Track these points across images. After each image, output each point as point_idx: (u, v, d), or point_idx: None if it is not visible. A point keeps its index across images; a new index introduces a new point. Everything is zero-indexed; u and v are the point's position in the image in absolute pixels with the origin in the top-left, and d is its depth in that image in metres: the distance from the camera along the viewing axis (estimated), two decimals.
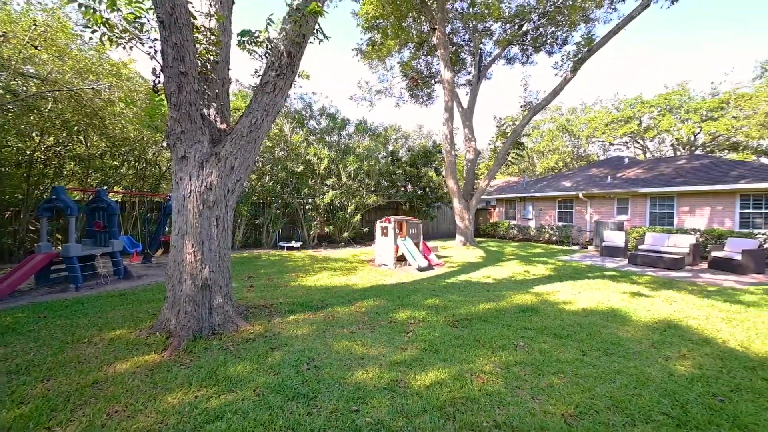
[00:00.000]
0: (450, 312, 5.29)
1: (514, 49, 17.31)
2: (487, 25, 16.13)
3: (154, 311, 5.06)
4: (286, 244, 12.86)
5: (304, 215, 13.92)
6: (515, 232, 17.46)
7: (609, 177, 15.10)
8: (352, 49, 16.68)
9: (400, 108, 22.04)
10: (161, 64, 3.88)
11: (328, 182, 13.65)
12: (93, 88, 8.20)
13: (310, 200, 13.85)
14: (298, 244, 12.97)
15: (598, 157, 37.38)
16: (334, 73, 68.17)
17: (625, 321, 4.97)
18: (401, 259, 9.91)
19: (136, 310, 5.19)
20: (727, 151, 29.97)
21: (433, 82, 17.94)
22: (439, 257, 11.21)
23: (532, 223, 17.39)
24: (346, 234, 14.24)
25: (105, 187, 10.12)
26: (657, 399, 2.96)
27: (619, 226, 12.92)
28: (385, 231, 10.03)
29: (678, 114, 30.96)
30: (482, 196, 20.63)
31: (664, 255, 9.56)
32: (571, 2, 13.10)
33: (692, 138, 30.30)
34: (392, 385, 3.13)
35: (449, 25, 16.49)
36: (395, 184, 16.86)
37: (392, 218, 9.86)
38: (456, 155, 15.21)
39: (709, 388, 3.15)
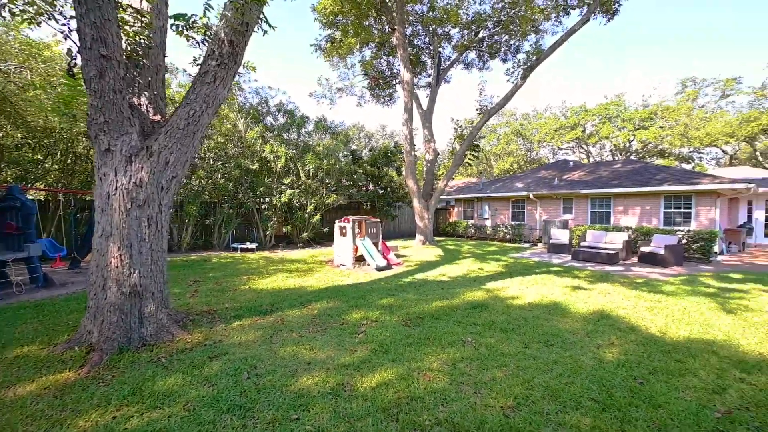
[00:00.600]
0: (404, 311, 5.31)
1: (472, 55, 17.99)
2: (446, 29, 16.56)
3: (74, 323, 4.50)
4: (240, 246, 12.22)
5: (260, 215, 13.34)
6: (473, 231, 18.11)
7: (556, 179, 16.19)
8: (311, 45, 16.33)
9: (362, 107, 21.87)
10: (78, 45, 3.45)
11: (286, 181, 13.20)
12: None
13: (266, 199, 13.29)
14: (253, 246, 12.38)
15: (548, 160, 39.95)
16: (295, 69, 66.44)
17: (565, 313, 5.30)
18: (360, 259, 9.83)
19: (52, 323, 4.59)
20: (655, 157, 33.56)
21: (394, 82, 18.08)
22: (398, 256, 11.28)
23: (488, 222, 18.15)
24: (305, 234, 13.87)
25: (22, 184, 8.92)
26: (587, 386, 3.16)
27: (565, 225, 13.88)
28: (343, 231, 9.88)
29: (616, 122, 34.08)
30: (442, 196, 21.17)
31: (601, 251, 10.42)
32: (522, 13, 13.83)
33: (627, 144, 33.47)
34: (337, 389, 3.03)
35: (410, 27, 16.71)
36: (356, 183, 16.75)
37: (351, 218, 9.75)
38: (416, 156, 15.45)
39: (632, 372, 3.43)
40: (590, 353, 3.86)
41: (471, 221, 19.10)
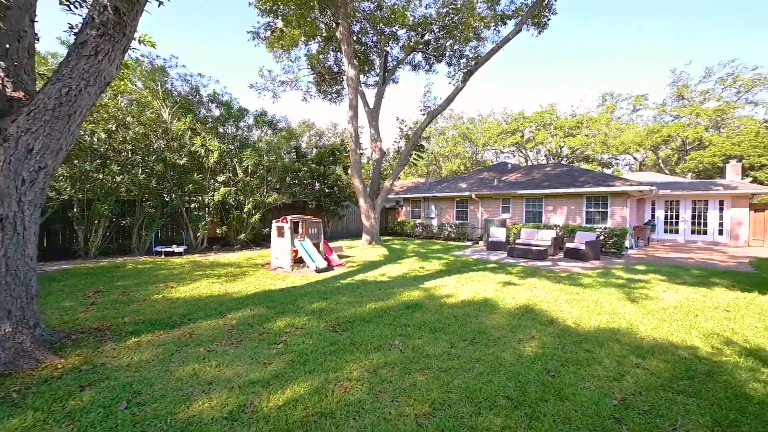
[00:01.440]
0: (334, 315, 5.03)
1: (419, 57, 18.26)
2: (394, 29, 16.60)
3: None
4: (164, 249, 10.96)
5: (190, 215, 12.12)
6: (420, 230, 18.42)
7: (496, 180, 17.08)
8: (248, 32, 15.26)
9: (316, 105, 21.06)
10: None
11: (221, 178, 12.16)
12: None
13: (198, 198, 12.12)
14: (181, 249, 11.19)
15: (492, 162, 42.37)
16: (234, 58, 62.62)
17: (494, 309, 5.44)
18: (300, 261, 9.34)
19: None
20: (582, 162, 37.33)
21: (341, 79, 17.67)
22: (341, 257, 10.97)
23: (434, 222, 18.58)
24: (242, 235, 12.91)
25: None
26: (504, 383, 3.16)
27: (503, 224, 14.67)
28: (281, 231, 9.31)
29: (549, 129, 37.32)
30: (390, 196, 21.27)
31: (533, 248, 11.13)
32: (465, 19, 14.32)
33: (559, 149, 36.73)
34: (237, 412, 2.66)
35: (358, 24, 16.48)
36: (302, 182, 16.09)
37: (289, 218, 9.22)
38: (362, 154, 15.26)
39: (546, 365, 3.53)
40: (511, 349, 3.93)
41: (418, 220, 19.41)
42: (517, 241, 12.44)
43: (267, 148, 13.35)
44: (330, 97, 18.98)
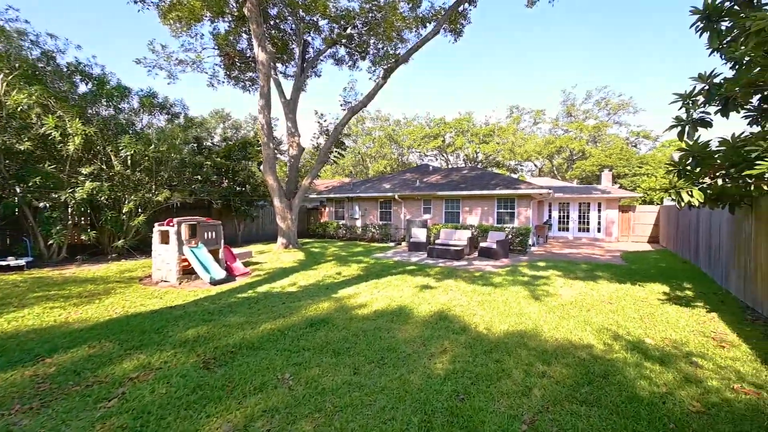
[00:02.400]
0: (213, 344, 3.99)
1: (342, 51, 17.57)
2: (314, 18, 15.58)
3: None
4: None
5: (39, 217, 9.36)
6: (343, 231, 17.72)
7: (418, 181, 17.34)
8: None
9: (216, 89, 18.75)
10: None
11: (86, 170, 9.66)
12: None
13: (53, 195, 9.40)
14: (22, 262, 8.50)
15: (416, 164, 43.95)
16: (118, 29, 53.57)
17: (408, 318, 5.02)
18: (192, 273, 7.79)
19: None
20: (494, 167, 41.16)
21: (255, 64, 15.92)
22: (249, 264, 9.63)
23: (358, 222, 18.08)
24: (121, 242, 10.49)
25: None
26: (408, 419, 2.64)
27: (424, 224, 14.86)
28: (165, 237, 7.66)
29: (467, 136, 40.26)
30: (313, 196, 20.13)
31: (451, 248, 11.35)
32: (387, 17, 14.09)
33: (475, 155, 39.82)
34: None
35: (275, 8, 15.02)
36: (209, 178, 13.96)
37: (176, 220, 7.62)
38: (278, 149, 13.91)
39: (456, 385, 3.15)
40: (421, 368, 3.48)
41: (342, 221, 18.71)
42: (437, 241, 12.63)
43: (157, 136, 11.12)
44: (243, 84, 17.01)
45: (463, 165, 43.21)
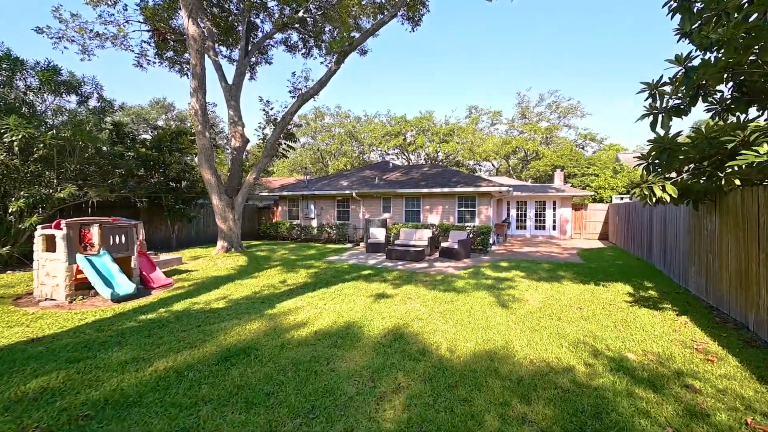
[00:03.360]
0: (62, 403, 2.73)
1: (296, 37, 16.18)
2: None
3: None
4: None
5: None
6: (298, 232, 16.35)
7: (377, 178, 16.48)
8: None
9: (146, 71, 16.43)
10: None
11: None
12: None
13: None
14: None
15: (377, 162, 43.22)
16: None
17: (357, 340, 4.07)
18: (89, 287, 6.18)
19: None
20: (454, 166, 41.66)
21: None
22: (175, 273, 8.10)
23: (314, 222, 16.82)
24: (5, 249, 8.37)
25: None
26: None
27: (384, 224, 14.02)
28: (50, 243, 6.00)
29: (427, 135, 40.31)
30: (263, 194, 18.46)
31: (411, 248, 10.61)
32: (343, 0, 13.03)
33: (435, 154, 39.96)
34: None
35: None
36: (133, 173, 11.91)
37: (66, 221, 5.98)
38: (217, 140, 12.24)
39: None
40: (365, 421, 2.55)
41: (296, 221, 17.32)
42: (396, 241, 11.84)
43: (64, 119, 9.08)
44: (179, 66, 14.97)
45: (424, 163, 43.28)
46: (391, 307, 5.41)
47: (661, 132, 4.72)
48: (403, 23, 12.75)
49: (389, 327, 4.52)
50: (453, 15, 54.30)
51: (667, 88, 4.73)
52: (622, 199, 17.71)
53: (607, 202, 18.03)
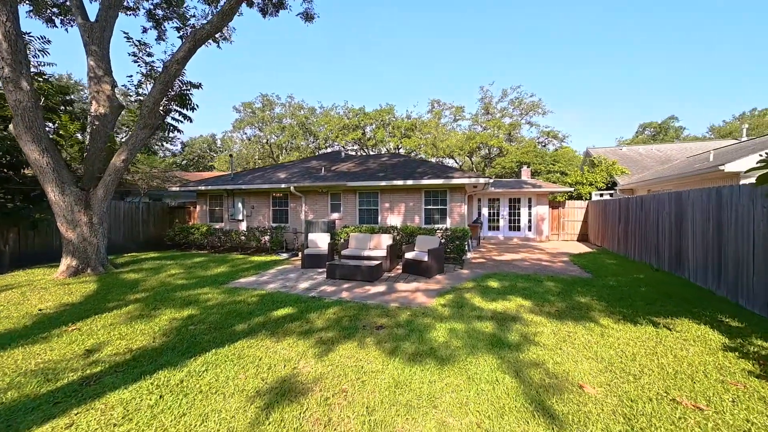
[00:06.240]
0: None
1: None
2: None
3: None
4: None
5: None
6: (218, 239, 12.43)
7: (324, 169, 13.10)
8: None
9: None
10: None
11: None
12: None
13: None
14: None
15: None
16: None
17: None
18: None
19: None
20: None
21: None
22: None
23: (243, 225, 13.01)
24: None
25: None
26: None
27: (330, 226, 10.71)
28: None
29: (388, 129, 37.51)
30: (176, 189, 14.18)
31: (363, 262, 7.46)
32: None
33: (397, 149, 37.28)
34: None
35: None
36: None
37: None
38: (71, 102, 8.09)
39: None
40: None
41: (220, 225, 13.37)
42: (344, 252, 8.59)
43: None
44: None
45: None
46: None
47: None
48: None
49: None
50: (414, 6, 52.14)
51: None
52: (602, 195, 16.06)
53: (585, 199, 16.30)
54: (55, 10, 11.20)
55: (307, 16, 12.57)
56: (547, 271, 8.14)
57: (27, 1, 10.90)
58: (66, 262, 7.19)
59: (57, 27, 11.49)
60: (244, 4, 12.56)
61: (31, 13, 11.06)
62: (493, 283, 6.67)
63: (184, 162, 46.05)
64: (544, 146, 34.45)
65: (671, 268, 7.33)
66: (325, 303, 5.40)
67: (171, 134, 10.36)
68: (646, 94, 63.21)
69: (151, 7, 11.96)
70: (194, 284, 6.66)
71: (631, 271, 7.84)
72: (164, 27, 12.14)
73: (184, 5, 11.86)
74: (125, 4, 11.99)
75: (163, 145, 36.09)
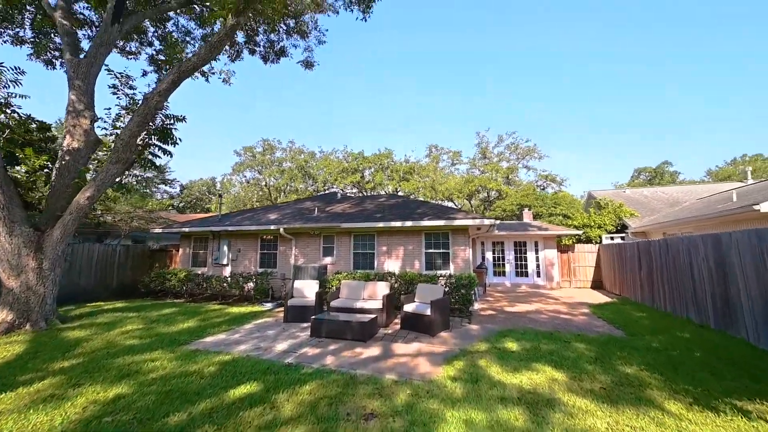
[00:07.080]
0: None
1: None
2: None
3: None
4: None
5: None
6: (197, 285, 11.23)
7: (317, 210, 12.34)
8: None
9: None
10: None
11: None
12: None
13: None
14: None
15: None
16: None
17: None
18: None
19: None
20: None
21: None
22: None
23: (227, 270, 11.90)
24: None
25: None
26: None
27: (321, 272, 9.66)
28: None
29: (387, 172, 37.72)
30: (157, 230, 13.26)
31: (356, 316, 6.34)
32: None
33: (395, 192, 37.12)
34: None
35: None
36: None
37: None
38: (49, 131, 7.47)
39: None
40: None
41: (202, 270, 12.26)
42: (334, 302, 7.45)
43: None
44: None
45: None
46: None
47: None
48: (351, 10, 9.67)
49: None
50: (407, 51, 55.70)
51: None
52: (612, 238, 15.17)
53: (595, 243, 15.37)
54: (56, 53, 11.25)
55: (307, 64, 12.71)
56: (569, 326, 6.96)
57: (28, 44, 11.01)
58: (2, 314, 6.04)
59: (56, 69, 11.45)
60: (246, 51, 12.84)
61: (32, 56, 11.10)
62: (511, 345, 5.50)
63: (182, 204, 45.75)
64: (543, 189, 34.36)
65: (720, 325, 6.20)
66: (302, 375, 4.22)
67: (169, 177, 9.72)
68: (637, 139, 65.37)
69: (153, 53, 12.10)
70: (146, 346, 5.46)
71: (668, 327, 6.67)
72: (165, 71, 12.11)
73: (185, 51, 11.95)
74: (127, 48, 12.19)
75: (160, 187, 35.98)
